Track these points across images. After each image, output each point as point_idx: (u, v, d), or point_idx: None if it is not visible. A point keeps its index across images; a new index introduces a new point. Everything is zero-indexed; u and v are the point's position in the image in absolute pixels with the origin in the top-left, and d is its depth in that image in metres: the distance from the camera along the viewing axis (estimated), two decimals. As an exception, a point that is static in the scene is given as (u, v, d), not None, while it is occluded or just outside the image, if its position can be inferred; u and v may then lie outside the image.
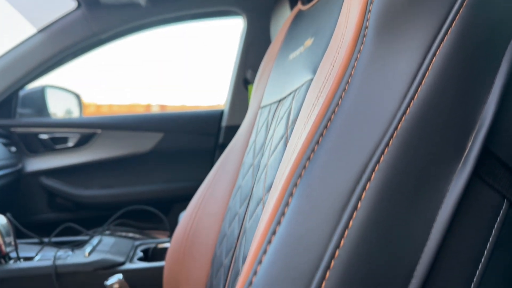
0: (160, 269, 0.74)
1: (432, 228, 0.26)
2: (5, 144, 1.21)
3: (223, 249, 0.59)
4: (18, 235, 0.79)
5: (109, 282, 0.71)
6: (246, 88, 1.30)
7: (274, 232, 0.27)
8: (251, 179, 0.57)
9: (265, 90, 0.66)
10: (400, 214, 0.25)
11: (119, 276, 0.71)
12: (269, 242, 0.26)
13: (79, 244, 0.83)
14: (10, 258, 0.75)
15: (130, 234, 0.92)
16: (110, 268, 0.73)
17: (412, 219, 0.25)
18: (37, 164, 1.29)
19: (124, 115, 1.36)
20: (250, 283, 0.26)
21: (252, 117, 0.68)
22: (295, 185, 0.27)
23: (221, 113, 1.34)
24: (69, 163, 1.29)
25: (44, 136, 1.30)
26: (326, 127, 0.28)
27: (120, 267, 0.74)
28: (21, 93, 1.34)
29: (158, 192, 1.29)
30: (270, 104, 0.58)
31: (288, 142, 0.41)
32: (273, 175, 0.43)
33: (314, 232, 0.25)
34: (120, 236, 0.87)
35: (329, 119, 0.28)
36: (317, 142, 0.28)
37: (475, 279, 0.26)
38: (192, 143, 1.33)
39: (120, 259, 0.76)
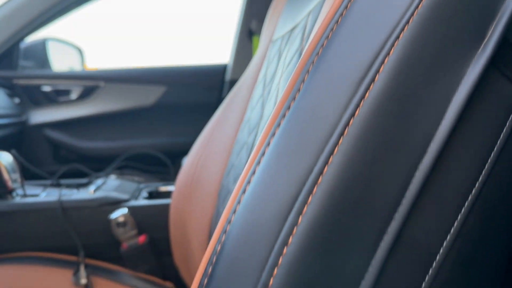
0: (166, 206, 0.74)
1: (445, 114, 0.25)
2: (9, 95, 1.20)
3: (230, 179, 0.59)
4: (24, 176, 0.80)
5: (113, 215, 0.71)
6: (251, 40, 1.27)
7: (253, 172, 0.26)
8: (260, 109, 0.56)
9: (278, 23, 0.64)
10: (416, 92, 0.24)
11: (124, 210, 0.72)
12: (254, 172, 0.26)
13: (84, 185, 0.83)
14: (16, 195, 0.75)
15: (136, 178, 0.92)
16: (115, 204, 0.74)
17: (426, 102, 0.24)
18: (41, 116, 1.28)
19: (127, 68, 1.34)
20: (234, 211, 0.26)
21: (262, 52, 0.67)
22: (278, 125, 0.26)
23: (224, 67, 1.32)
24: (73, 116, 1.29)
25: (47, 89, 1.29)
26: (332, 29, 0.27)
27: (125, 203, 0.74)
28: (22, 45, 1.32)
29: (162, 146, 1.29)
30: (283, 35, 0.57)
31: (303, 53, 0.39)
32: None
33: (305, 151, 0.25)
34: (125, 179, 0.88)
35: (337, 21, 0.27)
36: (313, 62, 0.27)
37: (486, 166, 0.26)
38: (195, 97, 1.32)
39: (125, 196, 0.76)
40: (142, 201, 0.77)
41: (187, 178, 0.69)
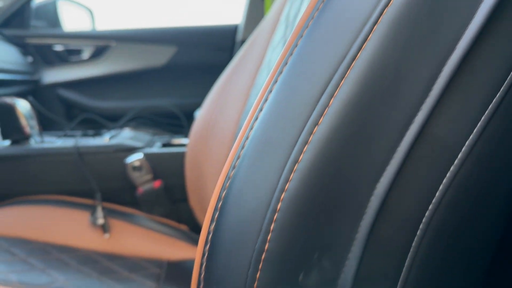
0: (181, 154, 0.75)
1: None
2: (22, 54, 1.21)
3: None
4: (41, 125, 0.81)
5: (129, 160, 0.73)
6: (263, 0, 1.25)
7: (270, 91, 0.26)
8: (281, 49, 0.55)
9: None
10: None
11: (140, 155, 0.73)
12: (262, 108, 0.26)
13: (99, 134, 0.84)
14: (34, 141, 0.77)
15: (149, 131, 0.93)
16: (130, 151, 0.75)
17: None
18: (53, 76, 1.29)
19: (138, 28, 1.33)
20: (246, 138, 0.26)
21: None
22: (286, 63, 0.26)
23: (235, 28, 1.31)
24: (85, 76, 1.29)
25: (58, 48, 1.29)
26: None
27: (140, 150, 0.75)
28: (33, 5, 1.31)
29: (173, 107, 1.29)
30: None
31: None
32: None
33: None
34: (139, 131, 0.88)
35: None
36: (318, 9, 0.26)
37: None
38: (206, 58, 1.31)
39: (140, 144, 0.77)
40: (157, 149, 0.78)
41: (204, 123, 0.69)
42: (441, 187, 0.26)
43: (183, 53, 1.30)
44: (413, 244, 0.26)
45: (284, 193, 0.23)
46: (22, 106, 0.76)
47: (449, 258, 0.28)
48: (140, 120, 1.06)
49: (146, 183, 0.73)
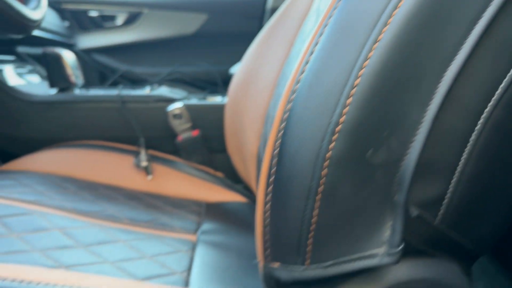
0: (219, 106, 0.77)
1: None
2: (59, 18, 1.24)
3: (291, 66, 0.61)
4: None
5: (170, 108, 0.75)
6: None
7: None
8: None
9: None
10: None
11: (180, 104, 0.76)
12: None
13: (139, 88, 0.87)
14: (79, 90, 0.80)
15: (185, 90, 0.95)
16: (170, 101, 0.78)
17: None
18: (88, 41, 1.32)
19: (169, -4, 1.35)
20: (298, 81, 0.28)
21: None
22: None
23: (266, -4, 1.31)
24: (118, 42, 1.32)
25: (93, 14, 1.32)
26: None
27: (180, 101, 0.78)
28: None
29: (205, 74, 1.31)
30: None
31: None
32: None
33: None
34: (176, 88, 0.91)
35: None
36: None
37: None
38: (236, 26, 1.32)
39: (179, 96, 0.80)
40: (196, 100, 0.80)
41: (244, 74, 0.71)
42: (502, 84, 0.27)
43: (213, 21, 1.32)
44: (472, 137, 0.27)
45: (363, 69, 0.25)
46: (68, 56, 0.79)
47: (504, 155, 0.29)
48: (175, 81, 1.08)
49: (185, 132, 0.76)
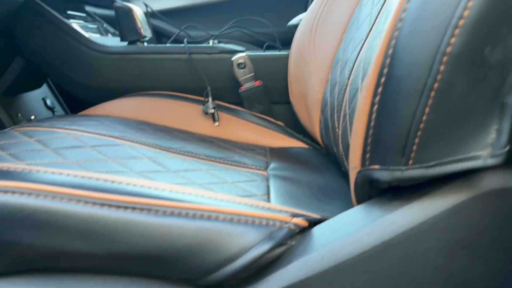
0: (282, 57, 0.79)
1: None
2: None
3: (365, 9, 0.61)
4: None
5: (234, 57, 0.77)
6: None
7: None
8: None
9: None
10: None
11: (244, 53, 0.78)
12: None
13: (201, 42, 0.90)
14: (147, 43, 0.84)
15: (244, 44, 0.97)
16: (234, 53, 0.80)
17: None
18: (143, 6, 1.36)
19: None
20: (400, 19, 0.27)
21: None
22: None
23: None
24: (174, 6, 1.35)
25: (149, -23, 1.35)
26: None
27: (243, 52, 0.80)
28: None
29: (262, 34, 1.32)
30: None
31: None
32: None
33: None
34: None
35: None
36: None
37: None
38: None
39: (243, 48, 0.82)
40: (259, 52, 0.82)
41: (312, 21, 0.72)
42: None
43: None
44: None
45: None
46: (137, 10, 0.83)
47: None
48: (233, 39, 1.10)
49: (248, 81, 0.78)
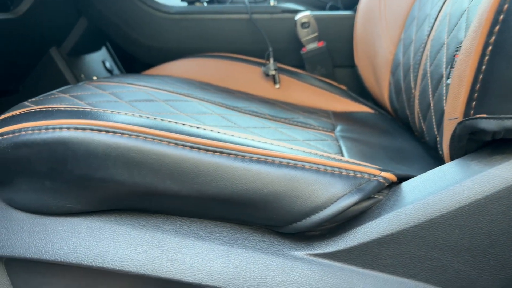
0: (348, 18, 0.76)
1: None
2: None
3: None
4: None
5: (298, 16, 0.75)
6: None
7: None
8: None
9: None
10: None
11: (308, 12, 0.75)
12: None
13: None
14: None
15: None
16: (296, 12, 0.78)
17: None
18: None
19: None
20: None
21: None
22: None
23: None
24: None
25: None
26: None
27: (307, 11, 0.78)
28: None
29: None
30: None
31: None
32: None
33: None
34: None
35: None
36: None
37: None
38: None
39: (305, 8, 0.79)
40: (324, 11, 0.79)
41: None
42: None
43: None
44: None
45: None
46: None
47: None
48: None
49: (311, 42, 0.76)
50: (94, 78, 1.02)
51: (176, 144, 0.33)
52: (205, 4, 0.84)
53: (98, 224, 0.35)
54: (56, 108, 0.38)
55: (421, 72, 0.55)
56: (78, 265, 0.33)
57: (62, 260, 0.33)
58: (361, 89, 0.77)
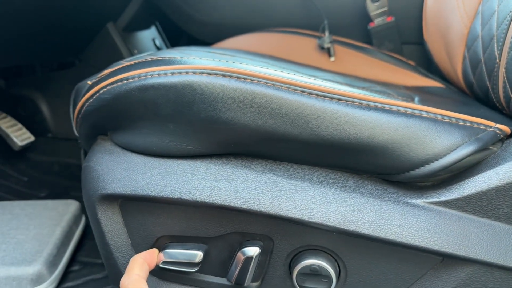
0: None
1: None
2: None
3: None
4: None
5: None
6: None
7: None
8: None
9: None
10: None
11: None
12: None
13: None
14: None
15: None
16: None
17: None
18: None
19: None
20: None
21: None
22: None
23: None
24: None
25: None
26: None
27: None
28: None
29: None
30: None
31: None
32: None
33: None
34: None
35: None
36: None
37: None
38: None
39: None
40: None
41: None
42: None
43: None
44: None
45: None
46: None
47: None
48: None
49: (379, 16, 0.77)
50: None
51: (295, 90, 0.35)
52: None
53: (216, 166, 0.37)
54: (167, 58, 0.40)
55: (508, 41, 0.55)
56: (200, 203, 0.36)
57: (185, 198, 0.36)
58: (428, 66, 0.77)
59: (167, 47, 1.17)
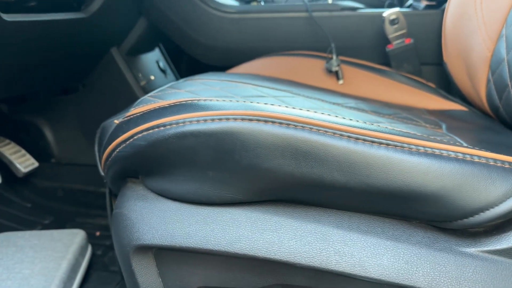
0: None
1: None
2: None
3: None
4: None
5: (386, 13, 0.76)
6: None
7: None
8: None
9: None
10: None
11: (396, 9, 0.76)
12: None
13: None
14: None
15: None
16: (354, 10, 0.79)
17: None
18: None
19: None
20: None
21: None
22: None
23: None
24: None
25: None
26: None
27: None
28: None
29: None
30: None
31: None
32: None
33: None
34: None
35: None
36: None
37: None
38: None
39: (363, 6, 0.81)
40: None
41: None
42: None
43: None
44: None
45: None
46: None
47: None
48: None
49: (398, 38, 0.77)
50: (152, 77, 1.05)
51: (341, 135, 0.34)
52: (262, 3, 0.87)
53: (258, 215, 0.36)
54: (203, 101, 0.39)
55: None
56: (242, 255, 0.34)
57: (226, 250, 0.34)
58: (447, 86, 0.77)
59: (171, 68, 1.17)
